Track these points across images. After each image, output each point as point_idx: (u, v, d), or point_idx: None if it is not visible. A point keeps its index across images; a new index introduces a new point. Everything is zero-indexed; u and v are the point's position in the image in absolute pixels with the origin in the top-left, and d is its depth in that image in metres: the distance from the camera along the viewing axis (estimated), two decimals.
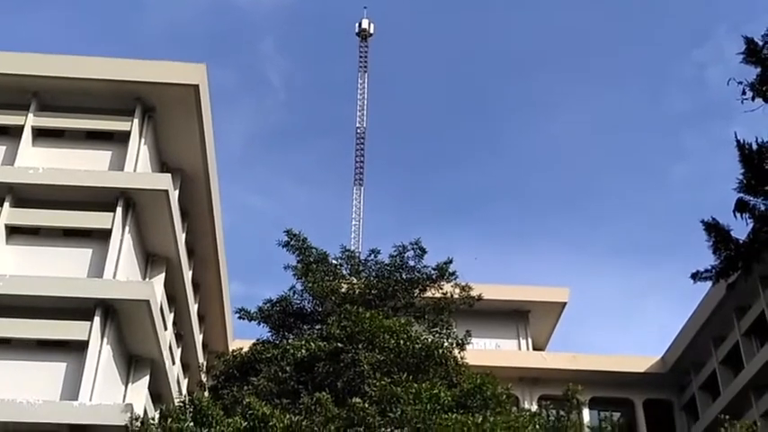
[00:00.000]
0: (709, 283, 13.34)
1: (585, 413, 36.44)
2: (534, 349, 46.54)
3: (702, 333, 40.25)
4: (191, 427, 16.24)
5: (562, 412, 22.29)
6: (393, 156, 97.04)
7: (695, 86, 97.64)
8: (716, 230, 12.49)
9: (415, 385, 16.53)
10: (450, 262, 22.39)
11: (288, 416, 15.79)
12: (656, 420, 43.03)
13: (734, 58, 12.03)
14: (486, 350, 40.89)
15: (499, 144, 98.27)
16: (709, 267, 13.12)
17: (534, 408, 30.85)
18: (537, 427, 17.94)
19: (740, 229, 12.38)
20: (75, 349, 22.12)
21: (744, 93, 11.80)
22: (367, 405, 16.18)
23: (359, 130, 59.11)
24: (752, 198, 12.10)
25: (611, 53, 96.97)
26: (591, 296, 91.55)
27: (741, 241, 12.42)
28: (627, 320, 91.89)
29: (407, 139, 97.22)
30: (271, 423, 15.41)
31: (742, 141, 11.98)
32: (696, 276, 13.58)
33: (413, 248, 22.28)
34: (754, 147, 11.92)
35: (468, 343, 21.67)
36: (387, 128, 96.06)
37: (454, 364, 19.18)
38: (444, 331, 21.40)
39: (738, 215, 12.26)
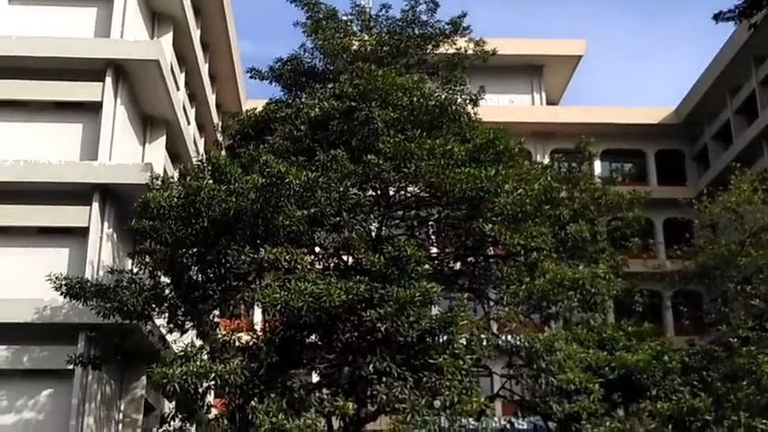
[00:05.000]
0: (726, 35, 13.25)
1: (597, 165, 37.00)
2: (548, 104, 46.52)
3: (718, 83, 39.97)
4: (210, 184, 16.61)
5: (574, 164, 22.66)
6: None
7: None
8: None
9: (429, 141, 16.66)
10: (464, 16, 21.79)
11: (304, 173, 16.07)
12: (666, 170, 43.81)
13: None
14: (500, 106, 40.86)
15: None
16: (733, 7, 12.98)
17: (546, 161, 31.32)
18: (548, 178, 18.25)
19: None
20: (90, 110, 22.23)
21: None
22: (381, 161, 16.41)
23: None
24: None
25: None
26: (607, 48, 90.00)
27: None
28: (642, 73, 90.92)
29: None
30: (288, 180, 15.72)
31: None
32: (719, 17, 13.42)
33: (425, 2, 21.62)
34: None
35: (481, 99, 21.59)
36: None
37: (467, 120, 19.20)
38: (457, 88, 21.25)
39: None
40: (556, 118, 42.86)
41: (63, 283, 17.43)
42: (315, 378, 18.45)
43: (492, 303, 18.62)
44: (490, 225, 16.60)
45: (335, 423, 16.82)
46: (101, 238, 20.90)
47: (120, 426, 22.25)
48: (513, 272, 16.89)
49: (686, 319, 39.21)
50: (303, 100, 19.60)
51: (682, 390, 17.64)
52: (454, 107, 18.61)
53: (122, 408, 22.40)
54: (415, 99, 17.63)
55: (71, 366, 18.71)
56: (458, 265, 19.23)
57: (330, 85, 20.33)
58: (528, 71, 45.56)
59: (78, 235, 20.90)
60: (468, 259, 19.02)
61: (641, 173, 44.22)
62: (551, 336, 16.75)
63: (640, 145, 43.91)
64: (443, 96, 18.82)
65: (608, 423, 16.51)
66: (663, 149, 44.25)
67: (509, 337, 18.43)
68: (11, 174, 20.76)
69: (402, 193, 18.37)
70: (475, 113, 20.12)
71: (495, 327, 19.09)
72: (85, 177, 21.00)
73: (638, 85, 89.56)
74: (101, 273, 19.96)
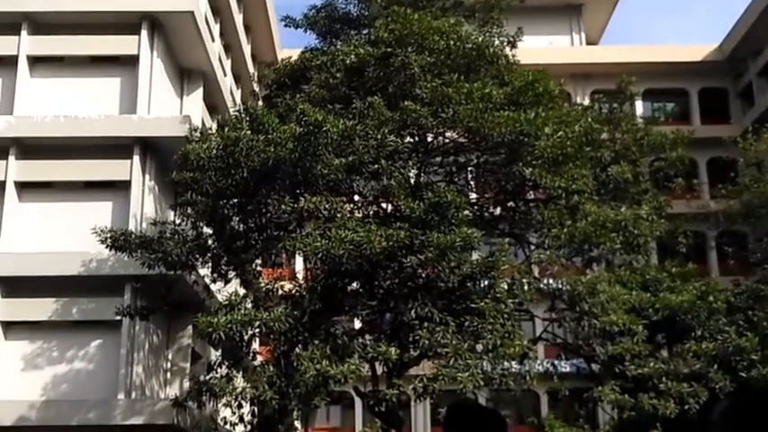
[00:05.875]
0: None
1: (638, 105, 36.39)
2: (587, 44, 45.68)
3: (763, 18, 38.83)
4: (248, 134, 16.64)
5: (615, 105, 22.28)
6: None
7: None
8: None
9: (467, 85, 16.46)
10: None
11: (341, 121, 16.03)
12: (710, 108, 42.89)
13: None
14: (538, 48, 40.16)
15: None
16: None
17: (587, 102, 30.85)
18: (589, 120, 17.99)
19: None
20: (127, 64, 22.34)
21: None
22: (419, 107, 16.27)
23: None
24: None
25: None
26: None
27: None
28: (683, 10, 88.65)
29: None
30: (325, 128, 15.69)
31: None
32: None
33: None
34: None
35: (519, 41, 21.25)
36: None
37: (505, 62, 18.90)
38: (495, 30, 20.90)
39: None
40: (595, 58, 42.05)
41: (108, 235, 17.71)
42: (357, 324, 18.62)
43: (533, 247, 18.55)
44: (530, 169, 16.46)
45: (379, 368, 17.00)
46: (143, 190, 21.15)
47: (169, 374, 22.75)
48: (555, 215, 16.76)
49: (731, 260, 38.76)
50: (338, 47, 19.44)
51: (727, 330, 17.51)
52: (492, 50, 18.33)
53: (170, 356, 22.88)
54: (451, 42, 17.38)
55: (119, 317, 19.10)
56: (498, 210, 19.15)
57: (365, 31, 20.13)
58: (566, 11, 44.69)
59: (121, 188, 21.17)
60: (509, 204, 18.93)
61: (684, 112, 43.37)
62: (594, 278, 16.67)
63: (683, 83, 42.99)
64: (480, 39, 18.52)
65: (652, 364, 16.48)
66: (706, 87, 43.27)
67: (551, 280, 18.39)
68: (52, 129, 21.02)
69: (440, 138, 18.25)
70: (513, 56, 19.80)
71: (536, 270, 19.05)
72: (125, 131, 21.19)
73: (679, 23, 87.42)
74: (144, 225, 20.25)
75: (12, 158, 21.12)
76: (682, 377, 16.72)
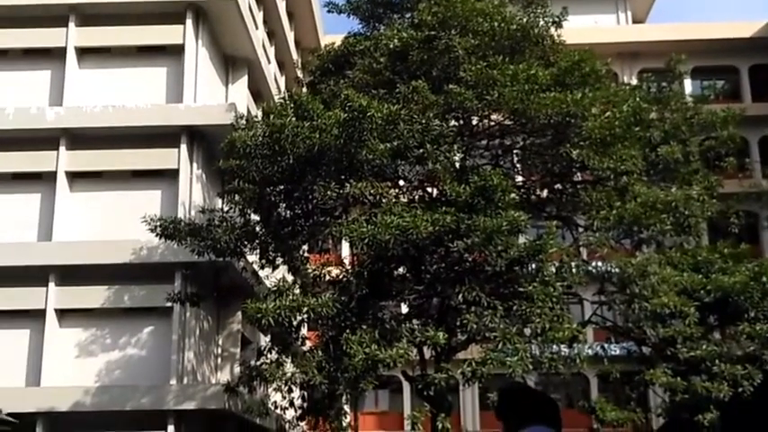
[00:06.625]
0: None
1: (687, 83, 35.71)
2: (634, 23, 44.92)
3: None
4: (293, 121, 16.69)
5: (663, 84, 21.89)
6: None
7: None
8: None
9: (512, 67, 16.29)
10: None
11: (386, 106, 15.98)
12: (761, 86, 41.94)
13: None
14: (584, 27, 39.60)
15: None
16: None
17: (634, 82, 30.37)
18: (637, 99, 17.71)
19: None
20: (173, 53, 22.55)
21: None
22: (463, 90, 16.16)
23: None
24: None
25: None
26: None
27: None
28: None
29: None
30: (369, 113, 15.66)
31: None
32: None
33: None
34: None
35: (564, 21, 20.92)
36: None
37: (551, 43, 18.68)
38: (539, 10, 20.58)
39: None
40: (643, 37, 41.35)
41: (158, 224, 17.93)
42: (404, 309, 18.64)
43: (581, 230, 18.36)
44: (578, 150, 16.27)
45: (427, 352, 17.02)
46: (190, 178, 21.38)
47: (219, 360, 23.05)
48: (603, 197, 16.57)
49: None
50: (381, 31, 19.36)
51: None
52: (537, 30, 18.13)
53: (220, 342, 23.17)
54: (495, 24, 17.22)
55: (170, 304, 19.37)
56: (545, 193, 18.98)
57: (408, 15, 20.00)
58: None
59: (169, 177, 21.43)
60: (556, 186, 18.74)
61: (734, 89, 42.47)
62: (644, 260, 16.47)
63: (733, 60, 42.07)
64: (525, 20, 18.31)
65: (704, 346, 16.26)
66: (757, 64, 42.29)
67: (599, 263, 18.20)
68: (101, 119, 21.33)
69: (485, 121, 18.11)
70: (558, 36, 19.53)
71: (584, 253, 18.86)
72: (172, 120, 21.41)
73: (728, 0, 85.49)
74: (192, 213, 20.46)
75: (62, 149, 21.50)
76: (735, 359, 16.48)
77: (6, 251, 20.40)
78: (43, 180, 21.62)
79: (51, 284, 20.65)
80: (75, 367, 20.44)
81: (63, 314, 20.80)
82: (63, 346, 20.56)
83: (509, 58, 16.92)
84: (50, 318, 20.55)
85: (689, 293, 16.43)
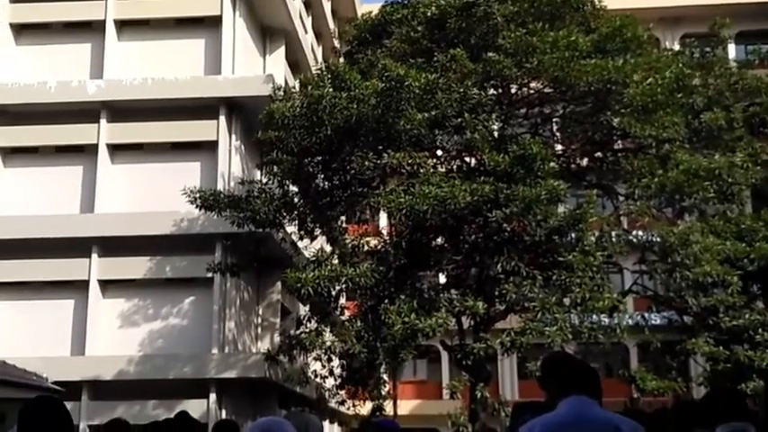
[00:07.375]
0: None
1: (731, 48, 34.93)
2: None
3: None
4: (330, 92, 16.66)
5: (707, 49, 21.46)
6: None
7: None
8: None
9: (552, 33, 16.07)
10: None
11: (423, 75, 15.88)
12: None
13: None
14: None
15: None
16: None
17: (677, 47, 29.80)
18: (680, 65, 17.38)
19: None
20: (211, 25, 22.57)
21: None
22: (502, 58, 15.98)
23: None
24: None
25: None
26: None
27: None
28: None
29: None
30: (407, 83, 15.58)
31: None
32: None
33: None
34: None
35: None
36: None
37: (591, 9, 18.36)
38: None
39: None
40: (685, 1, 40.52)
41: (197, 195, 18.08)
42: (442, 279, 18.64)
43: (622, 198, 18.17)
44: (619, 118, 16.07)
45: (465, 322, 17.02)
46: (229, 150, 21.49)
47: (259, 329, 23.29)
48: (645, 165, 16.35)
49: None
50: None
51: None
52: None
53: (260, 312, 23.39)
54: None
55: (210, 274, 19.57)
56: (585, 161, 18.79)
57: None
58: None
59: (208, 149, 21.56)
60: (596, 154, 18.55)
61: None
62: (686, 229, 16.26)
63: None
64: None
65: (747, 315, 16.05)
66: None
67: (640, 232, 18.00)
68: (141, 92, 21.47)
69: (524, 89, 17.93)
70: (599, 2, 19.22)
71: (625, 222, 18.65)
72: (211, 92, 21.48)
73: None
74: (232, 184, 20.59)
75: (103, 122, 21.71)
76: None
77: (50, 223, 20.73)
78: (85, 153, 21.88)
79: (94, 255, 20.97)
80: (118, 337, 20.80)
81: (106, 285, 21.13)
82: (106, 316, 20.92)
83: (549, 24, 16.68)
84: (94, 288, 20.90)
85: (732, 262, 16.20)
